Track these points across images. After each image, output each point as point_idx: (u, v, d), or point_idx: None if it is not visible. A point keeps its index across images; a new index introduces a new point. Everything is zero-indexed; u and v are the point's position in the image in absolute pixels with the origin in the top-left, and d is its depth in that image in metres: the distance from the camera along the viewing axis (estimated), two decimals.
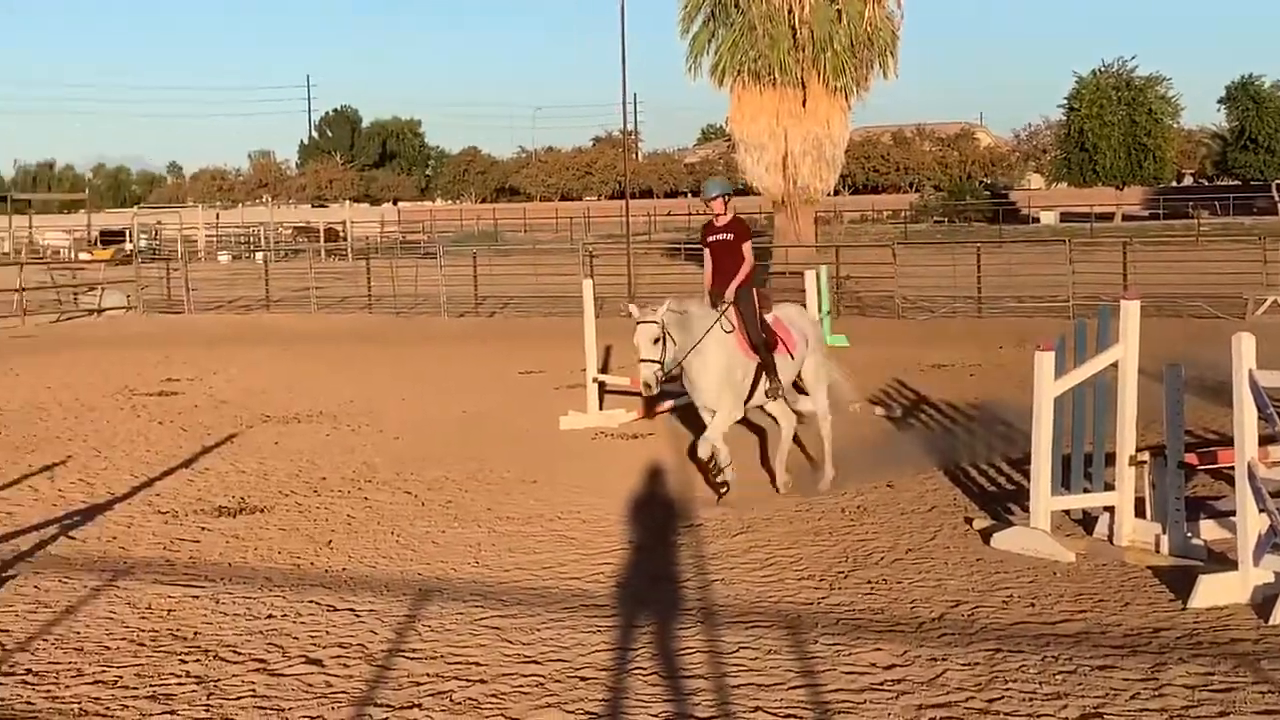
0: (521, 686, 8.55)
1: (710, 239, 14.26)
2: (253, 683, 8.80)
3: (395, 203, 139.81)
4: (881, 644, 9.14)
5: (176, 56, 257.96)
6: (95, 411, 20.92)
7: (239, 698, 8.53)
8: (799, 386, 14.90)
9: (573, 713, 8.06)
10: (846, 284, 38.34)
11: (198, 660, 9.27)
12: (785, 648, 9.13)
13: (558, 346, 26.59)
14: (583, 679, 8.65)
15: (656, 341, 13.12)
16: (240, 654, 9.37)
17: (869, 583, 10.76)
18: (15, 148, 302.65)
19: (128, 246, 73.74)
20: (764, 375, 14.00)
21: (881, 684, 8.39)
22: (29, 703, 8.53)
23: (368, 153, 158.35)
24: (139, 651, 9.49)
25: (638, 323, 13.23)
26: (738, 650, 9.10)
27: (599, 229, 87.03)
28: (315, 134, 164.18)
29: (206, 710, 8.31)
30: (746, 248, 14.11)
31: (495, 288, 41.81)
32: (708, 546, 12.17)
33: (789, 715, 7.92)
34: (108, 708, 8.41)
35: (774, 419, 15.07)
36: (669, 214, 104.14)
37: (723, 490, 13.89)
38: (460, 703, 8.30)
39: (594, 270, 34.05)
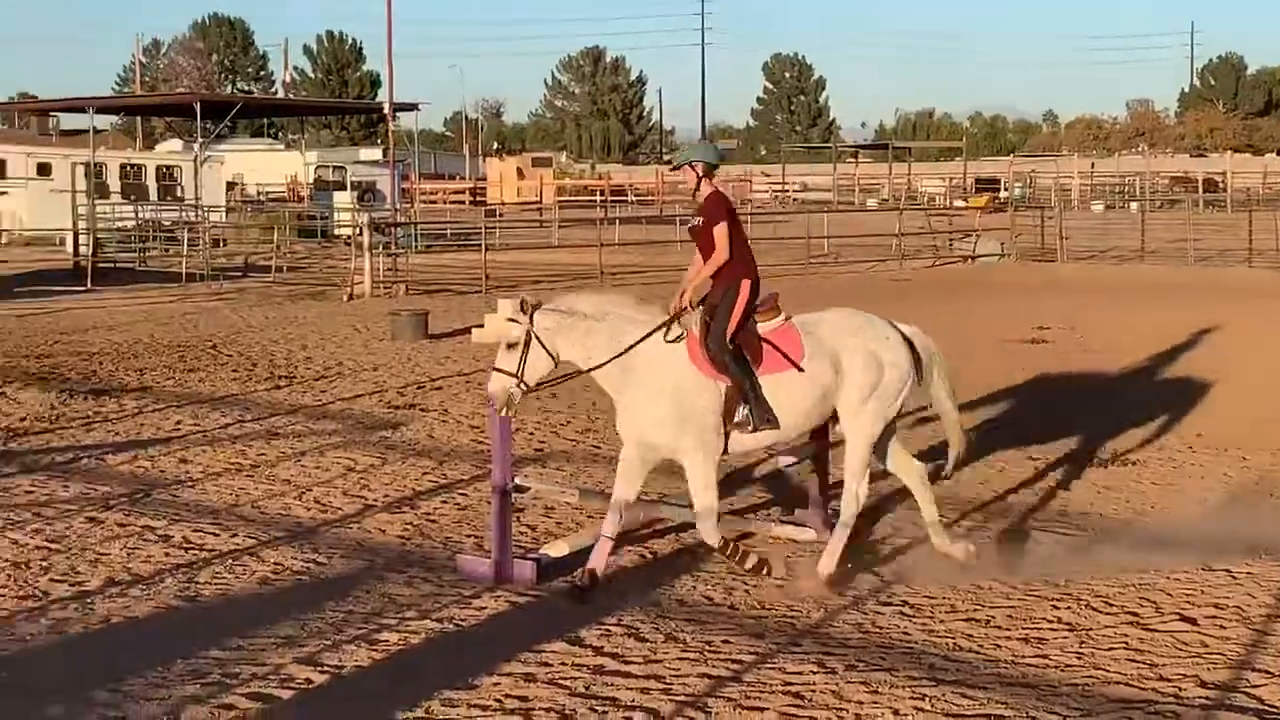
0: None
1: (690, 224, 10.64)
2: (1125, 635, 8.68)
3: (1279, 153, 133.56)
4: None
5: (1056, 5, 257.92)
6: (973, 359, 21.24)
7: (1110, 649, 8.43)
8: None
9: None
10: None
11: (1069, 608, 9.25)
12: None
13: None
14: None
15: (513, 348, 9.76)
16: (1113, 605, 9.26)
17: None
18: (898, 97, 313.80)
19: (1002, 194, 74.73)
20: (742, 402, 9.87)
21: None
22: (905, 633, 8.82)
23: (1252, 101, 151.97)
24: (1010, 594, 9.58)
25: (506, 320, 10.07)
26: None
27: None
28: (1197, 82, 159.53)
29: (1078, 658, 8.27)
30: (718, 232, 10.05)
31: None
32: None
33: None
34: (980, 645, 8.55)
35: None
36: None
37: (765, 572, 10.00)
38: None
39: None
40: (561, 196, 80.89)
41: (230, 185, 60.14)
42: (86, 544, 10.88)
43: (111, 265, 38.89)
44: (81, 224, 40.92)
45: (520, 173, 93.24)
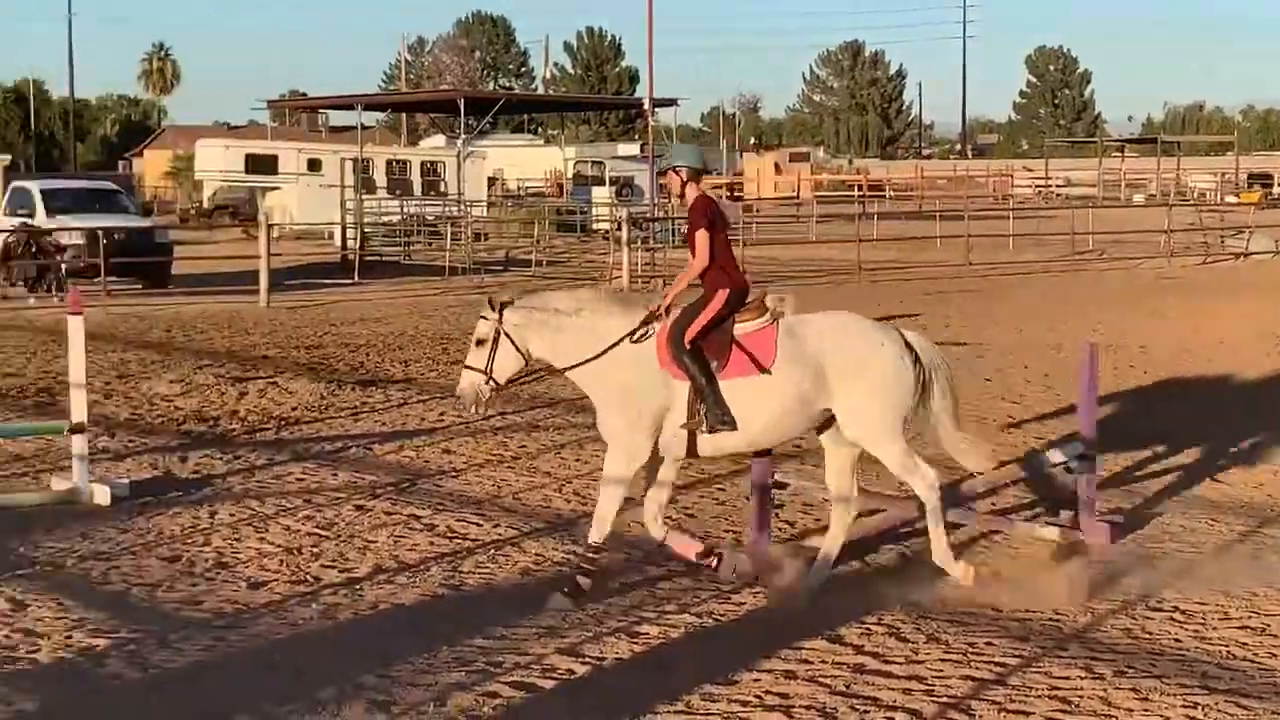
0: None
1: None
2: None
3: None
4: None
5: None
6: (1240, 360, 20.60)
7: None
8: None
9: None
10: None
11: None
12: None
13: None
14: None
15: (482, 344, 9.64)
16: None
17: None
18: (1166, 90, 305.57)
19: (1276, 190, 72.28)
20: (699, 403, 9.44)
21: None
22: (1176, 640, 8.56)
23: None
24: None
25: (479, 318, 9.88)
26: None
27: None
28: None
29: None
30: (699, 239, 9.68)
31: None
32: None
33: None
34: (1255, 654, 8.29)
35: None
36: None
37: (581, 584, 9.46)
38: None
39: None
40: (819, 191, 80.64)
41: (491, 180, 61.26)
42: (355, 531, 11.16)
43: (377, 259, 39.95)
44: (349, 218, 42.07)
45: (777, 168, 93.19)
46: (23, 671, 8.08)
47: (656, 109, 58.08)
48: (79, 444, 12.26)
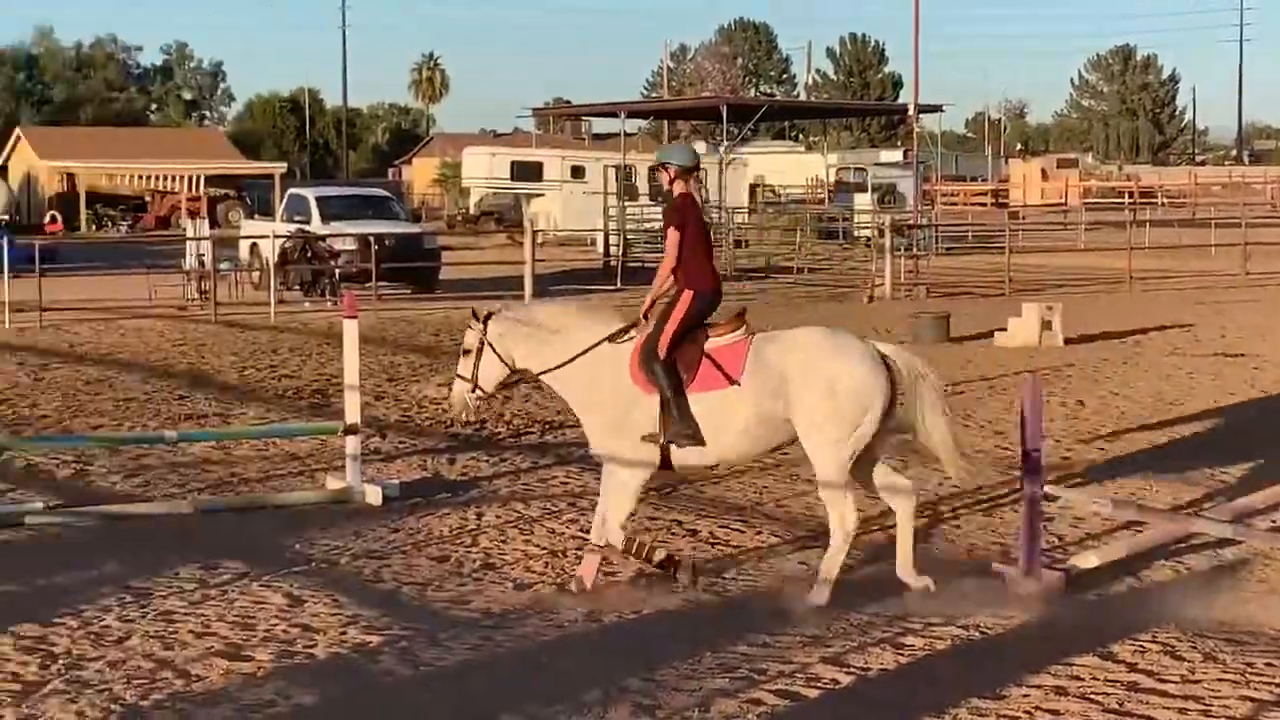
0: None
1: None
2: None
3: None
4: None
5: None
6: None
7: None
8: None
9: None
10: None
11: None
12: None
13: None
14: None
15: (469, 353, 9.94)
16: None
17: None
18: None
19: None
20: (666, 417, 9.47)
21: None
22: None
23: None
24: None
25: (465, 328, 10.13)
26: None
27: None
28: None
29: None
30: (669, 239, 9.77)
31: None
32: None
33: None
34: None
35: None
36: None
37: (681, 580, 9.69)
38: None
39: None
40: (1087, 198, 78.95)
41: (753, 187, 61.27)
42: None
43: (639, 265, 40.22)
44: (612, 224, 42.46)
45: (1044, 174, 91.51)
46: (301, 666, 8.32)
47: (920, 115, 57.45)
48: (352, 445, 12.59)
